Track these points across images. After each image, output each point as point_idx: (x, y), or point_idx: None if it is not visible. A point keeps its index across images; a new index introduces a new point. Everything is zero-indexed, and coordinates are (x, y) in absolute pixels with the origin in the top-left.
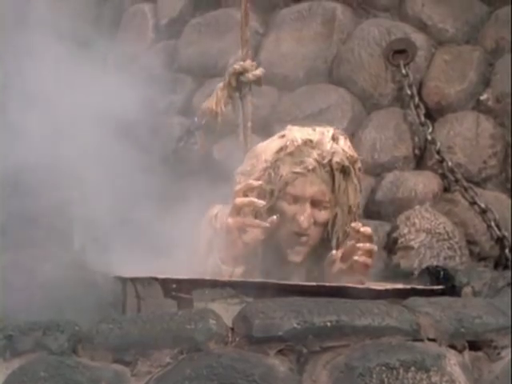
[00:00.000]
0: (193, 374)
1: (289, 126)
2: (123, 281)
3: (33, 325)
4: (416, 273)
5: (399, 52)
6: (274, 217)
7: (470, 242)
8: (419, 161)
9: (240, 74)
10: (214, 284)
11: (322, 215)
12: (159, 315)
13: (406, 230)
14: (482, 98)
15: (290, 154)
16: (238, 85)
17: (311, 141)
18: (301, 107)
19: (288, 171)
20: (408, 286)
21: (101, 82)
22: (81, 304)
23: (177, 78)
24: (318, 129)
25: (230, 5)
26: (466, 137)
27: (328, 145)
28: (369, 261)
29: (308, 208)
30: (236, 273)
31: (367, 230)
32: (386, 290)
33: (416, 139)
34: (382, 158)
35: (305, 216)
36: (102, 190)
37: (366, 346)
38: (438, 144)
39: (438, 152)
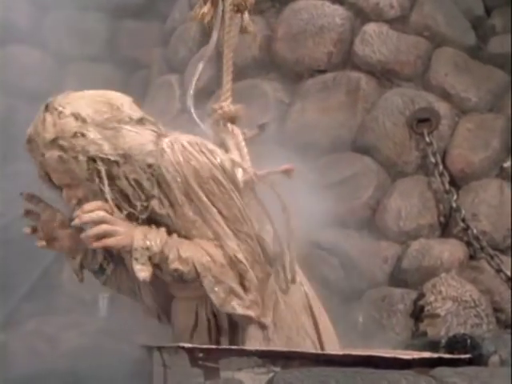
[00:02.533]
0: None
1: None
2: (149, 349)
3: None
4: (443, 341)
5: (423, 121)
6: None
7: (496, 310)
8: (444, 228)
9: None
10: (241, 353)
11: (79, 193)
12: None
13: (432, 298)
14: (505, 165)
15: None
16: None
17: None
18: (326, 175)
19: None
20: (435, 355)
21: None
22: (107, 373)
23: None
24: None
25: (254, 75)
26: (490, 204)
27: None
28: None
29: (63, 192)
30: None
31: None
32: (413, 360)
33: (441, 207)
34: (407, 226)
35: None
36: None
37: None
38: (463, 212)
39: (463, 220)
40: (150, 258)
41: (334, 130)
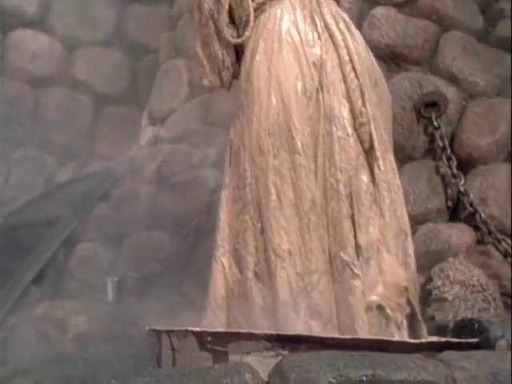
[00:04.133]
0: None
1: None
2: (158, 333)
3: (68, 378)
4: (450, 325)
5: (431, 105)
6: None
7: (504, 294)
8: (452, 213)
9: None
10: (250, 337)
11: None
12: (195, 369)
13: (440, 283)
14: None
15: None
16: None
17: None
18: None
19: None
20: (443, 339)
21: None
22: (115, 357)
23: (211, 131)
24: None
25: None
26: (498, 188)
27: None
28: None
29: None
30: None
31: None
32: (421, 343)
33: (449, 191)
34: (415, 211)
35: None
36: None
37: None
38: (471, 196)
39: (471, 204)
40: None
41: None
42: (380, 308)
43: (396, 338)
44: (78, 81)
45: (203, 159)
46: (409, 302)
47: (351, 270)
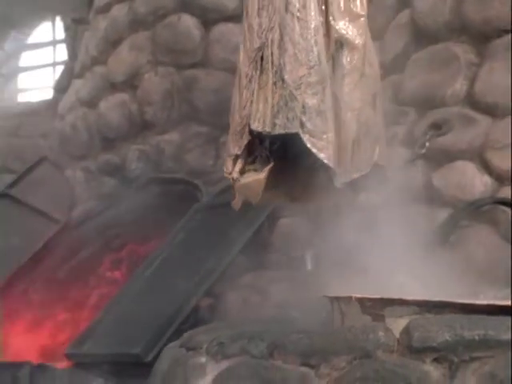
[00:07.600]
0: (362, 376)
1: None
2: (330, 300)
3: (240, 334)
4: None
5: None
6: None
7: None
8: None
9: None
10: (402, 302)
11: None
12: (340, 328)
13: None
14: None
15: None
16: None
17: None
18: None
19: None
20: None
21: None
22: (307, 320)
23: (401, 110)
24: None
25: (447, 39)
26: None
27: None
28: None
29: None
30: None
31: None
32: None
33: None
34: None
35: None
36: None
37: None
38: None
39: None
40: None
41: None
42: None
43: None
44: None
45: (392, 138)
46: None
47: None
